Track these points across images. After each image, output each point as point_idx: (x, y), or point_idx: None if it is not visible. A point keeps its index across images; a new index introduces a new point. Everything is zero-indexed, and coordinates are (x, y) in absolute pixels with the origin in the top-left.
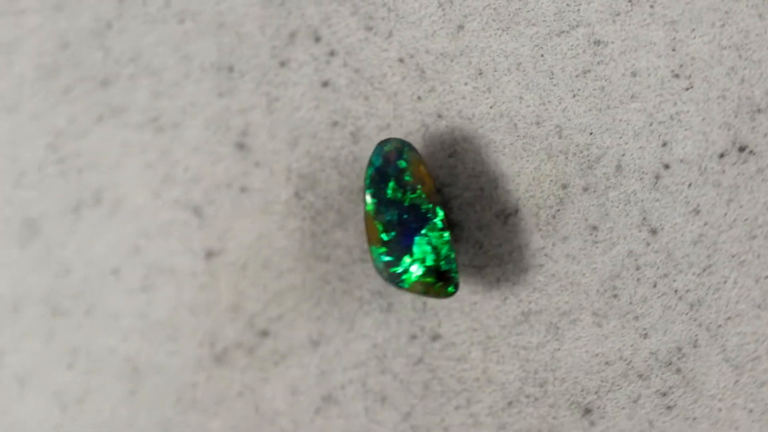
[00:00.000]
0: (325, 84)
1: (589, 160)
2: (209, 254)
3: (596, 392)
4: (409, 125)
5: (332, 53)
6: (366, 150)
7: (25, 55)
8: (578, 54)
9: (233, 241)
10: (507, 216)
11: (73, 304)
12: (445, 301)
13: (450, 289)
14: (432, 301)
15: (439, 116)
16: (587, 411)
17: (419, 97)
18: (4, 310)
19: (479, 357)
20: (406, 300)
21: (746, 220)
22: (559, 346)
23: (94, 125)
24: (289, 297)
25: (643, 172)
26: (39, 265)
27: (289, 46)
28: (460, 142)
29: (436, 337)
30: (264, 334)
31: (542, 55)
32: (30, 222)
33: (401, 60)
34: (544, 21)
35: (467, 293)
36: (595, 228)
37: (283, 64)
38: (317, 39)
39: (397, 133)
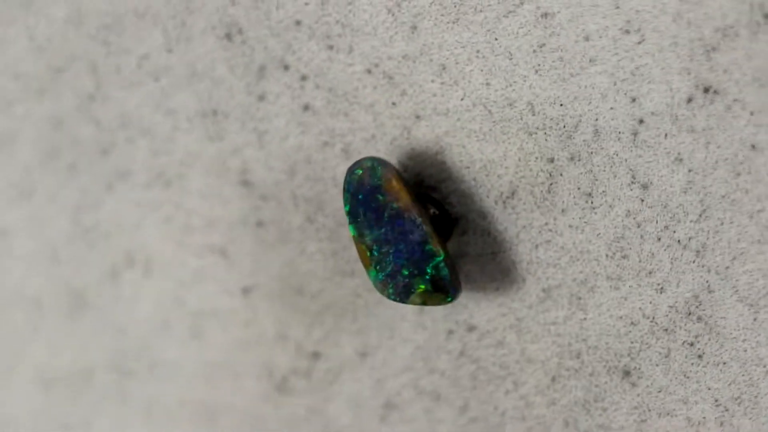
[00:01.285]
0: (305, 108)
1: (566, 131)
2: (245, 291)
3: (629, 354)
4: (392, 131)
5: (303, 78)
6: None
7: (24, 143)
8: (529, 30)
9: (263, 274)
10: (505, 200)
11: (137, 363)
12: (470, 292)
13: (449, 298)
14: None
15: (417, 117)
16: (626, 373)
17: (394, 103)
18: (77, 383)
19: (515, 340)
20: None
21: (726, 159)
22: (585, 315)
23: (105, 193)
24: (328, 316)
25: (620, 132)
26: (96, 332)
27: (261, 80)
28: (443, 137)
29: (471, 328)
30: (315, 356)
31: (496, 39)
32: (76, 293)
33: (368, 71)
34: (489, 5)
35: (487, 281)
36: (589, 195)
37: (261, 98)
38: (286, 68)
39: (383, 142)
